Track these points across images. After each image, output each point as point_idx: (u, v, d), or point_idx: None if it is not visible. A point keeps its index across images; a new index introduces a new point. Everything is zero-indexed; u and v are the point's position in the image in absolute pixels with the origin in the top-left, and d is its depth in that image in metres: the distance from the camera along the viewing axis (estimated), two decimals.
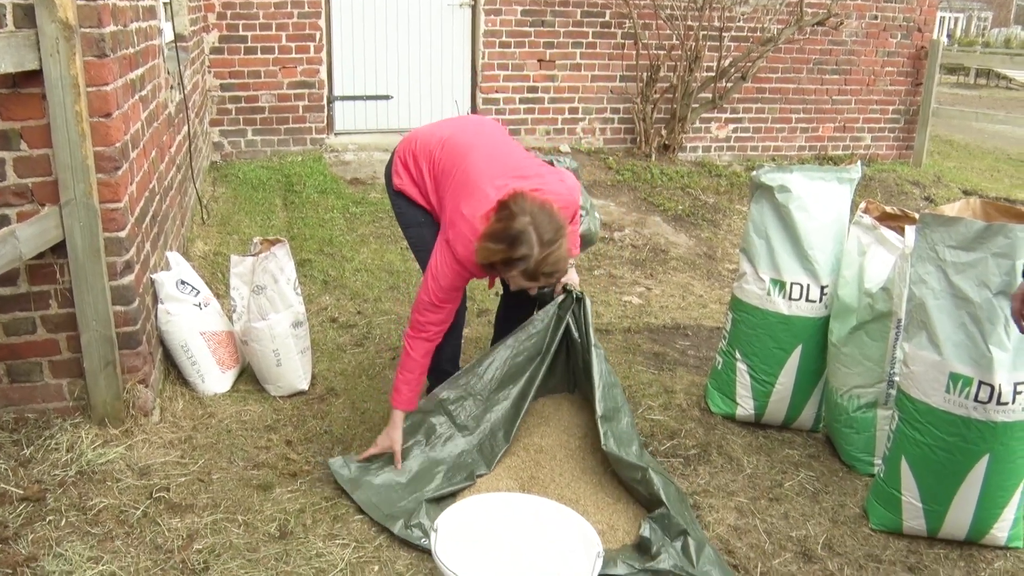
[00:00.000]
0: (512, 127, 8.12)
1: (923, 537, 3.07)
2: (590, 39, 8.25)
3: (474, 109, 8.16)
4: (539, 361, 3.27)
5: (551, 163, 3.46)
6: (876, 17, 9.03)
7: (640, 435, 3.19)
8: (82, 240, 3.01)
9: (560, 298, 3.28)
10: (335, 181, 7.03)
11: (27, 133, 2.91)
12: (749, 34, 8.58)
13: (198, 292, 3.76)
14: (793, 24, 8.36)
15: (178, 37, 5.31)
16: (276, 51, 7.42)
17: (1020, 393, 2.80)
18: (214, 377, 3.76)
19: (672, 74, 8.24)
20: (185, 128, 5.26)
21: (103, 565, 2.62)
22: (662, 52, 8.16)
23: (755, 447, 3.65)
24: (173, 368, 3.77)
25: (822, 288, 3.57)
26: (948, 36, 29.05)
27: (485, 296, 5.05)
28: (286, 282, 3.73)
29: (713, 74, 8.32)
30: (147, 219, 3.61)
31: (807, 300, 3.58)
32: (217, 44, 7.25)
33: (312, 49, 7.51)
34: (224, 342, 3.82)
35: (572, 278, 3.34)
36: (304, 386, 3.86)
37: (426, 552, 2.77)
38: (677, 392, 4.05)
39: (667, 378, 4.21)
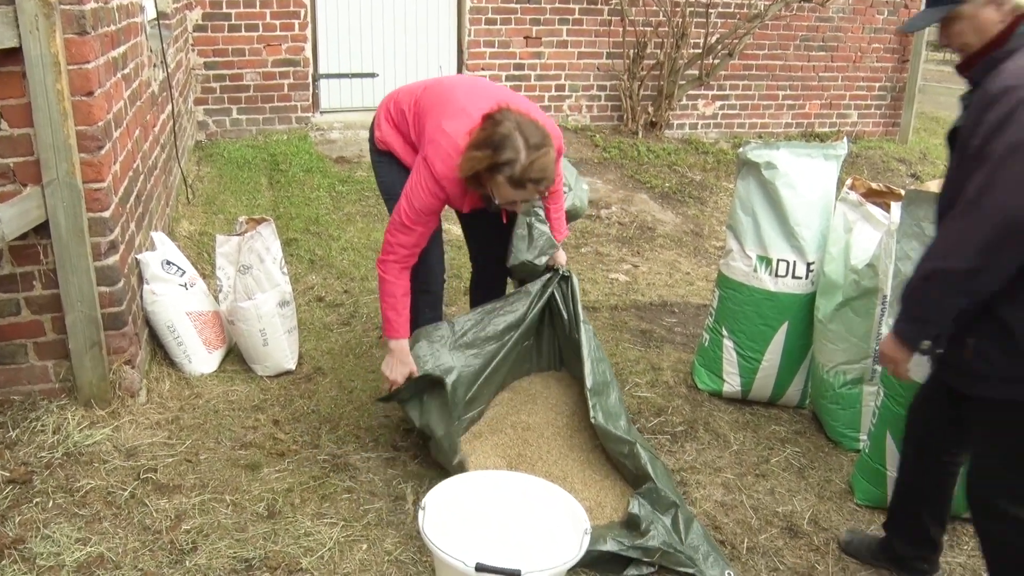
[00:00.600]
0: None
1: None
2: (576, 16, 8.20)
3: None
4: (521, 331, 3.25)
5: None
6: None
7: (628, 411, 3.20)
8: (65, 220, 2.99)
9: (547, 276, 3.29)
10: (321, 160, 7.00)
11: (7, 112, 2.88)
12: (736, 10, 8.55)
13: (184, 272, 3.74)
14: (780, 0, 8.33)
15: (161, 15, 5.25)
16: (260, 28, 7.34)
17: None
18: (201, 357, 3.74)
19: (659, 51, 8.21)
20: (169, 107, 5.21)
21: (91, 546, 2.61)
22: (649, 29, 8.12)
23: (741, 423, 3.67)
24: (159, 349, 3.76)
25: (808, 265, 3.58)
26: None
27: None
28: (272, 261, 3.72)
29: (700, 51, 8.30)
30: (131, 199, 3.59)
31: (793, 277, 3.59)
32: (200, 22, 7.17)
33: (297, 26, 7.44)
34: (210, 322, 3.80)
35: (559, 258, 3.35)
36: (291, 366, 3.85)
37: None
38: (664, 369, 4.06)
39: (654, 355, 4.22)
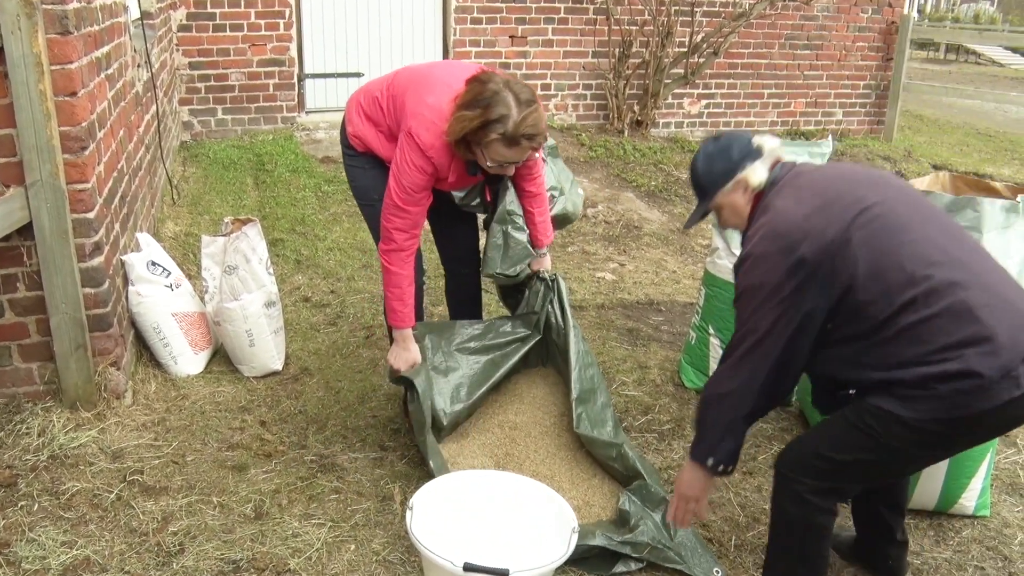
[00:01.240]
0: None
1: None
2: (562, 15, 8.21)
3: None
4: (527, 349, 3.27)
5: None
6: None
7: (615, 411, 3.21)
8: (49, 222, 2.97)
9: (540, 291, 3.26)
10: (307, 160, 6.98)
11: None
12: (721, 9, 8.58)
13: (169, 273, 3.72)
14: None
15: (144, 14, 5.23)
16: (245, 28, 7.32)
17: None
18: (187, 359, 3.73)
19: (644, 50, 8.22)
20: (153, 107, 5.19)
21: (77, 549, 2.60)
22: (634, 28, 8.14)
23: None
24: (145, 350, 3.74)
25: None
26: (918, 11, 29.20)
27: None
28: (258, 262, 3.71)
29: (685, 49, 8.32)
30: (116, 200, 3.57)
31: None
32: (185, 21, 7.14)
33: (282, 26, 7.42)
34: (196, 323, 3.79)
35: (546, 265, 3.33)
36: (278, 366, 3.84)
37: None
38: (651, 367, 4.07)
39: (641, 354, 4.23)
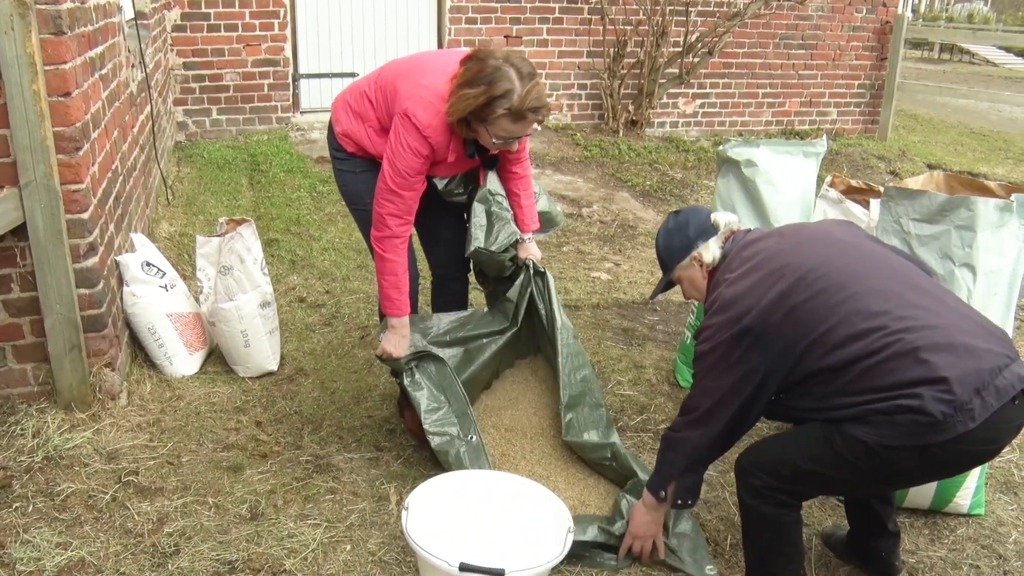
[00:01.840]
0: None
1: None
2: (557, 15, 8.21)
3: None
4: (506, 339, 3.23)
5: None
6: None
7: (608, 411, 3.20)
8: (43, 222, 2.96)
9: (520, 279, 3.21)
10: (302, 160, 6.97)
11: None
12: (716, 9, 8.59)
13: (164, 274, 3.72)
14: None
15: (139, 14, 5.22)
16: (240, 28, 7.31)
17: None
18: (182, 359, 3.72)
19: (639, 49, 8.23)
20: (148, 108, 5.17)
21: (72, 551, 2.60)
22: (629, 27, 8.14)
23: None
24: (140, 351, 3.73)
25: None
26: (912, 11, 29.25)
27: None
28: (253, 262, 3.70)
29: (680, 49, 8.32)
30: (110, 200, 3.56)
31: None
32: (179, 21, 7.13)
33: (276, 26, 7.41)
34: (191, 324, 3.78)
35: (532, 251, 3.25)
36: (273, 367, 3.84)
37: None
38: (646, 367, 4.07)
39: (636, 353, 4.23)
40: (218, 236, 3.74)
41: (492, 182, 3.19)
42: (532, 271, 3.20)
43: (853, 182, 3.62)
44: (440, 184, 3.10)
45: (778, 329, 2.26)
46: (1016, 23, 28.53)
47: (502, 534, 2.66)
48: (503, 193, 3.21)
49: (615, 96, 8.31)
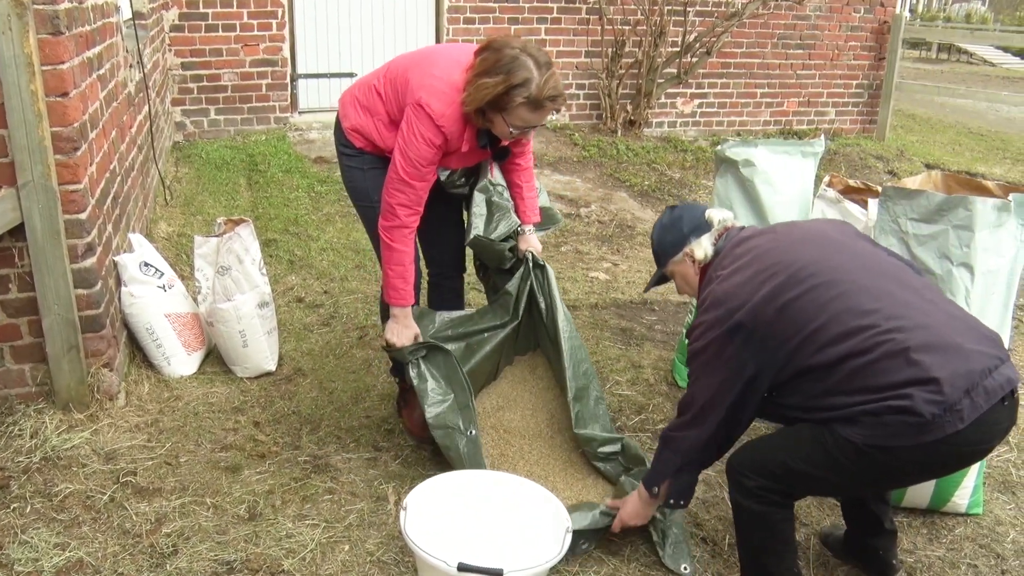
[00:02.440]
0: None
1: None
2: (555, 15, 8.21)
3: None
4: (506, 332, 3.23)
5: None
6: None
7: (608, 411, 3.21)
8: (41, 223, 2.96)
9: (519, 272, 3.21)
10: (300, 160, 6.97)
11: None
12: (714, 8, 8.59)
13: (162, 274, 3.71)
14: None
15: (136, 15, 5.22)
16: (238, 28, 7.30)
17: None
18: (180, 359, 3.72)
19: (637, 49, 8.23)
20: (146, 108, 5.17)
21: (70, 551, 2.59)
22: (627, 27, 8.14)
23: None
24: (138, 351, 3.73)
25: None
26: (910, 10, 29.26)
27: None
28: (251, 262, 3.70)
29: (678, 49, 8.33)
30: (108, 200, 3.56)
31: None
32: (177, 21, 7.13)
33: (274, 26, 7.41)
34: (189, 324, 3.78)
35: (532, 243, 3.25)
36: (271, 367, 3.83)
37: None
38: (645, 367, 4.07)
39: (634, 353, 4.23)
40: (216, 236, 3.74)
41: (494, 174, 3.20)
42: (532, 264, 3.20)
43: (851, 182, 3.62)
44: (443, 175, 3.09)
45: (770, 325, 2.26)
46: (1014, 23, 28.55)
47: (501, 534, 2.66)
48: (504, 184, 3.21)
49: (613, 96, 8.31)
